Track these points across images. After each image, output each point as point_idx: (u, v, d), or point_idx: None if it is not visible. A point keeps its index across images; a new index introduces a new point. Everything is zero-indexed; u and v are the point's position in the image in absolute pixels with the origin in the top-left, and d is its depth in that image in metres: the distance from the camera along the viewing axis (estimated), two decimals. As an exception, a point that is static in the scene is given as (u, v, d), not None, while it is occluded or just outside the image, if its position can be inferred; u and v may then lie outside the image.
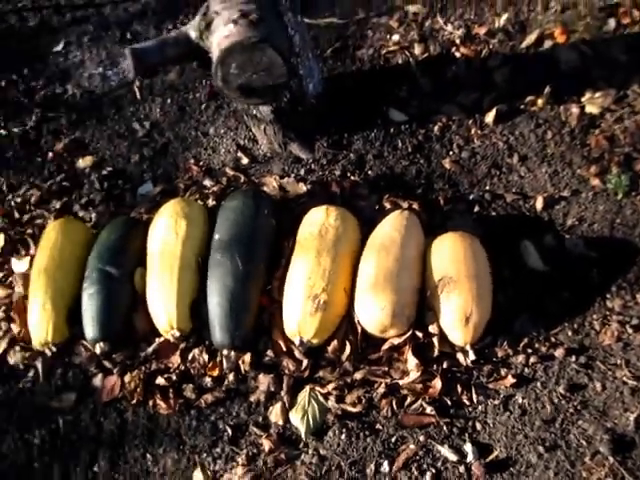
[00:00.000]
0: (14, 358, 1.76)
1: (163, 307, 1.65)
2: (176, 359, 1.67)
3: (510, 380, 1.53)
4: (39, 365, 1.73)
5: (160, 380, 1.64)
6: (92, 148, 2.20)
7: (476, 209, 1.84)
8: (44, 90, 2.39)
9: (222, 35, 0.70)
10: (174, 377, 1.64)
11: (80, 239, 1.85)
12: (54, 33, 2.56)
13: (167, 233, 1.72)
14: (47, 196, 2.08)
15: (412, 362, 1.55)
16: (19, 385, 1.74)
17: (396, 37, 2.25)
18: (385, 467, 1.47)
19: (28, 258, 1.91)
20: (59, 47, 2.49)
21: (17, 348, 1.77)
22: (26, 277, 1.86)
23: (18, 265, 1.91)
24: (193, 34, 0.81)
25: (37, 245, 1.91)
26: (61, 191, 2.09)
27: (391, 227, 1.66)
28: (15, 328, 1.80)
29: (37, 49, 2.52)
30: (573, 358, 1.55)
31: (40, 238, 1.91)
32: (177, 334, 1.64)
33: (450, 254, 1.60)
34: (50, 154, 2.20)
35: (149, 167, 2.11)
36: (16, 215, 2.05)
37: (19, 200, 2.09)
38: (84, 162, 2.15)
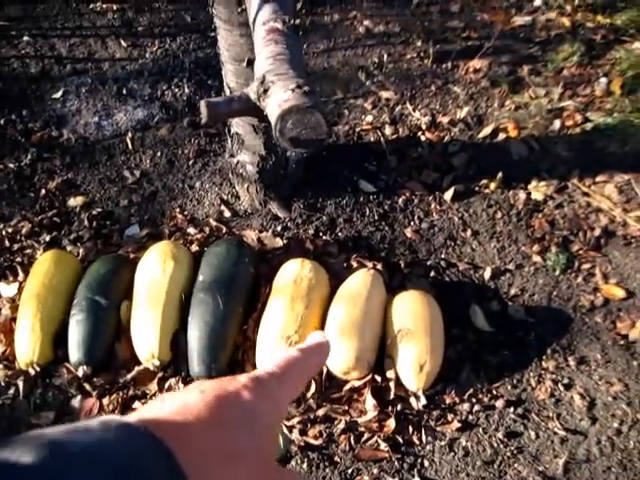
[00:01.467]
0: None
1: (146, 337, 1.75)
2: (153, 386, 1.75)
3: (456, 424, 1.66)
4: (20, 383, 1.78)
5: (137, 405, 1.73)
6: (83, 189, 2.27)
7: (432, 274, 1.96)
8: (41, 132, 2.45)
9: (282, 99, 0.90)
10: (150, 403, 1.74)
11: (70, 270, 1.94)
12: (54, 81, 2.63)
13: (155, 270, 1.83)
14: (38, 229, 2.14)
15: (370, 403, 1.68)
16: None
17: (369, 118, 2.38)
18: None
19: (17, 284, 1.99)
20: (58, 94, 2.57)
21: (0, 366, 1.83)
22: (13, 301, 1.94)
23: (6, 290, 1.99)
24: (252, 95, 0.99)
25: (25, 272, 1.99)
26: (51, 226, 2.16)
27: (358, 282, 1.81)
28: (0, 347, 1.86)
29: (37, 94, 2.59)
30: (511, 409, 1.69)
31: (31, 266, 1.98)
32: (157, 363, 1.74)
33: (409, 309, 1.75)
34: (43, 191, 2.26)
35: (137, 211, 2.19)
36: (7, 243, 2.11)
37: (10, 230, 2.15)
38: (75, 201, 2.23)
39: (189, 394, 0.41)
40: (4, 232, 2.16)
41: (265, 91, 0.95)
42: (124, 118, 2.45)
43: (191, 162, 2.32)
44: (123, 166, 2.35)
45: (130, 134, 2.40)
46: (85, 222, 2.16)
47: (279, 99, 0.91)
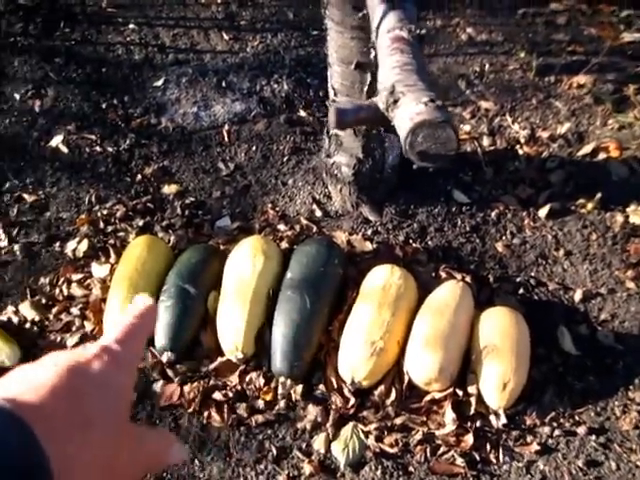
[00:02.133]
0: None
1: (232, 330, 1.78)
2: (234, 378, 1.78)
3: (535, 447, 1.63)
4: (105, 362, 1.86)
5: (217, 395, 1.75)
6: (177, 178, 2.33)
7: (521, 291, 1.93)
8: (140, 118, 2.52)
9: (414, 112, 0.90)
10: (230, 394, 1.74)
11: (162, 256, 1.98)
12: (156, 69, 2.70)
13: (245, 264, 1.86)
14: (132, 213, 2.20)
15: (449, 416, 1.66)
16: None
17: (467, 127, 2.37)
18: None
19: (108, 265, 2.04)
20: (159, 83, 2.63)
21: (87, 345, 1.91)
22: (104, 282, 2.00)
23: (98, 270, 2.05)
24: (381, 105, 1.00)
25: (117, 255, 2.04)
26: (145, 211, 2.21)
27: (447, 293, 1.79)
28: (89, 325, 1.92)
29: (139, 81, 2.67)
30: (593, 437, 1.64)
31: (123, 249, 2.04)
32: (240, 356, 1.77)
33: (497, 325, 1.73)
34: (139, 176, 2.33)
35: (228, 204, 2.23)
36: (101, 225, 2.18)
37: (105, 212, 2.21)
38: (169, 189, 2.28)
39: (42, 368, 0.42)
40: (99, 214, 2.23)
41: (395, 102, 0.95)
42: (222, 110, 2.49)
43: (285, 159, 2.34)
44: (218, 158, 2.38)
45: (227, 126, 2.44)
46: (178, 210, 2.21)
47: (410, 112, 0.91)
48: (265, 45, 2.76)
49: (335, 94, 1.85)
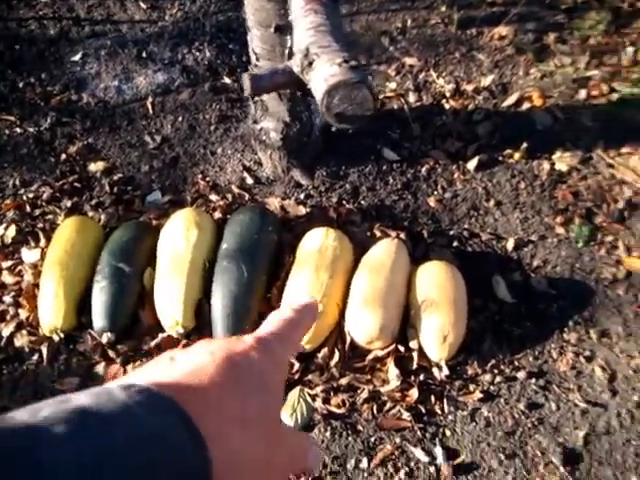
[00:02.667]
0: (20, 341, 1.82)
1: (170, 305, 1.75)
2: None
3: (478, 395, 1.67)
4: (44, 350, 1.80)
5: None
6: (104, 154, 2.26)
7: (455, 244, 1.96)
8: (60, 95, 2.43)
9: (329, 73, 0.88)
10: (174, 369, 1.75)
11: (92, 236, 1.93)
12: (73, 43, 2.61)
13: (179, 238, 1.83)
14: (59, 194, 2.14)
15: (393, 372, 1.68)
16: (23, 367, 1.79)
17: (393, 85, 2.36)
18: (364, 463, 1.59)
19: (38, 250, 1.98)
20: (77, 57, 2.54)
21: (24, 332, 1.83)
22: (35, 267, 1.94)
23: (28, 255, 1.98)
24: (296, 69, 0.98)
25: (47, 238, 1.98)
26: (72, 191, 2.15)
27: (382, 252, 1.81)
28: (23, 313, 1.86)
29: (55, 57, 2.57)
30: (533, 380, 1.69)
31: (53, 232, 1.98)
32: (181, 330, 1.75)
33: (433, 279, 1.75)
34: (63, 156, 2.26)
35: (158, 177, 2.18)
36: (28, 209, 2.11)
37: (31, 195, 2.15)
38: (96, 166, 2.22)
39: (198, 355, 0.41)
40: (25, 197, 2.16)
41: (309, 64, 0.94)
42: (144, 82, 2.43)
43: (213, 127, 2.30)
44: (144, 131, 2.33)
45: (151, 98, 2.39)
46: (106, 188, 2.15)
47: (325, 73, 0.90)
48: (184, 12, 2.69)
49: (257, 59, 1.82)
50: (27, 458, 0.28)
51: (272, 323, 0.48)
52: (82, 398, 0.34)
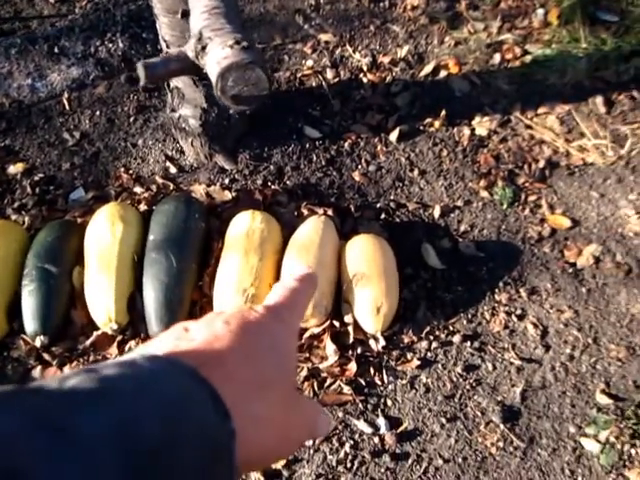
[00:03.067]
0: None
1: (101, 302, 1.73)
2: (114, 350, 1.75)
3: (415, 363, 1.70)
4: (-23, 359, 1.75)
5: None
6: (23, 155, 2.21)
7: (383, 216, 1.97)
8: (-29, 98, 2.35)
9: (221, 56, 0.87)
10: (111, 367, 1.73)
11: (17, 240, 1.89)
12: None
13: (105, 234, 1.81)
14: (-21, 200, 2.07)
15: (330, 348, 1.70)
16: None
17: (310, 62, 2.35)
18: (309, 441, 1.60)
19: (-38, 257, 1.95)
20: (-15, 57, 2.46)
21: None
22: (-41, 275, 1.91)
23: (-49, 265, 1.95)
24: (190, 54, 0.96)
25: (-29, 245, 1.96)
26: (-7, 195, 2.09)
27: (310, 230, 1.81)
28: (-49, 324, 1.83)
29: (-37, 59, 2.48)
30: (468, 343, 1.73)
31: (-24, 239, 1.94)
32: (115, 327, 1.73)
33: (362, 253, 1.77)
34: (-20, 160, 2.18)
35: (80, 174, 2.14)
36: (-53, 217, 2.05)
37: (-51, 203, 2.07)
38: (15, 168, 2.16)
39: (213, 324, 0.42)
40: (-57, 205, 2.08)
41: (203, 48, 0.93)
42: (58, 78, 2.37)
43: (132, 119, 2.26)
44: (62, 128, 2.27)
45: (66, 94, 2.32)
46: (28, 189, 2.10)
47: (218, 56, 0.89)
48: (94, 4, 2.62)
49: (167, 46, 1.79)
50: (50, 425, 0.29)
51: (278, 293, 0.49)
52: (108, 368, 0.34)
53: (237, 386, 0.38)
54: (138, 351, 0.39)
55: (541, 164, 2.05)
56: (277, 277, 1.77)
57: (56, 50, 2.45)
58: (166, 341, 0.41)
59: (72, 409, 0.30)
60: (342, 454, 1.60)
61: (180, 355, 0.38)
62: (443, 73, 2.29)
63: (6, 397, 0.30)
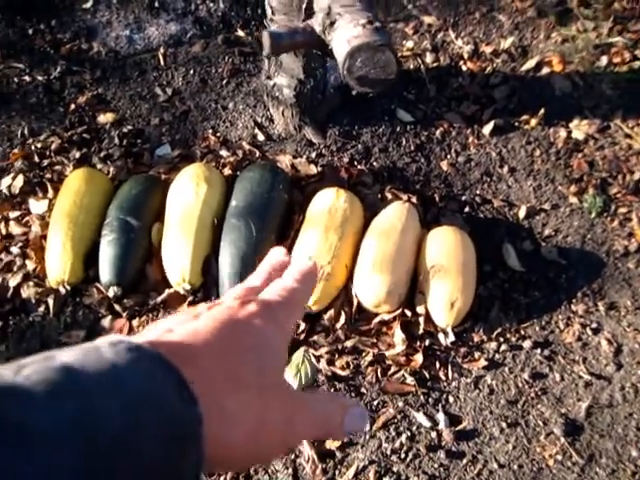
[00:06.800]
0: (27, 293, 1.82)
1: (178, 261, 1.75)
2: (183, 310, 1.77)
3: (482, 363, 1.67)
4: (51, 302, 1.80)
5: None
6: (113, 105, 2.22)
7: (466, 209, 1.93)
8: (70, 44, 2.38)
9: (352, 35, 0.84)
10: (180, 325, 1.75)
11: (101, 189, 1.92)
12: None
13: (188, 193, 1.81)
14: (67, 145, 2.11)
15: (399, 337, 1.68)
16: (29, 318, 1.79)
17: (410, 44, 2.31)
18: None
19: (46, 201, 1.96)
20: (88, 4, 2.48)
21: (30, 283, 1.83)
22: (43, 218, 1.93)
23: (36, 206, 1.97)
24: (317, 28, 0.94)
25: (55, 189, 1.97)
26: (81, 142, 2.12)
27: (393, 215, 1.79)
28: (30, 264, 1.86)
29: (65, 3, 2.50)
30: (538, 350, 1.68)
31: (61, 183, 1.97)
32: (188, 287, 1.74)
33: (444, 245, 1.74)
34: (72, 106, 2.22)
35: (168, 131, 2.15)
36: (36, 159, 2.09)
37: (39, 145, 2.11)
38: (105, 118, 2.18)
39: (200, 320, 0.41)
40: (33, 147, 2.13)
41: (332, 24, 0.91)
42: (156, 32, 2.38)
43: (224, 82, 2.26)
44: (154, 83, 2.28)
45: (162, 49, 2.34)
46: (115, 140, 2.12)
47: (348, 34, 0.87)
48: (198, -39, 2.62)
49: (273, 13, 1.77)
50: (0, 422, 0.28)
51: (274, 291, 0.48)
52: (68, 355, 0.33)
53: (207, 379, 0.37)
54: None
55: (636, 176, 1.97)
56: (354, 258, 1.76)
57: (156, 4, 2.46)
58: (153, 332, 0.41)
59: (24, 404, 0.29)
60: (397, 444, 1.58)
61: (154, 343, 0.37)
62: (545, 70, 2.22)
63: None
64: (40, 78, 2.31)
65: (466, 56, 2.27)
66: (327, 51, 0.98)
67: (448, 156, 2.05)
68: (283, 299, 0.47)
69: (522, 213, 1.93)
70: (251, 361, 0.41)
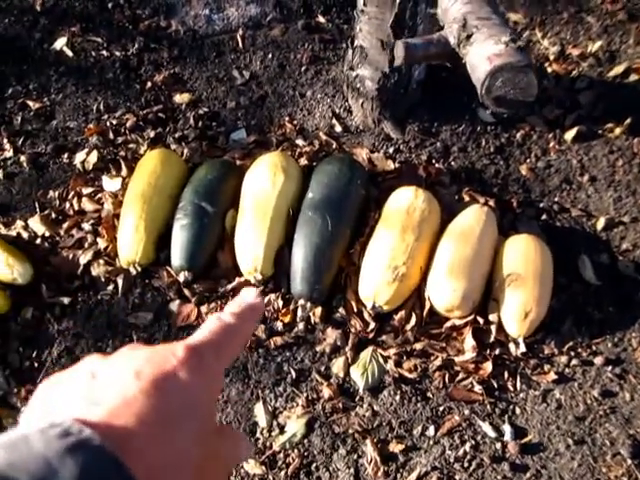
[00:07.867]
0: (97, 270, 1.84)
1: (251, 250, 1.74)
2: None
3: (552, 376, 1.64)
4: (120, 281, 1.80)
5: None
6: (190, 86, 2.22)
7: (543, 217, 1.89)
8: (149, 20, 2.37)
9: (492, 52, 0.81)
10: (248, 314, 1.74)
11: (177, 171, 1.91)
12: None
13: (265, 182, 1.80)
14: (142, 123, 2.10)
15: (469, 343, 1.66)
16: (98, 296, 1.81)
17: (495, 41, 2.26)
18: (431, 431, 1.59)
19: (120, 179, 1.97)
20: (168, -19, 2.46)
21: (101, 262, 1.84)
22: (116, 196, 1.94)
23: (109, 184, 1.98)
24: (452, 40, 0.91)
25: (129, 168, 1.97)
26: (156, 121, 2.11)
27: (471, 218, 1.75)
28: (102, 243, 1.87)
29: (146, -22, 2.49)
30: (609, 367, 1.65)
31: (134, 162, 1.97)
32: (259, 277, 1.74)
33: (521, 254, 1.70)
34: (149, 83, 2.21)
35: (244, 115, 2.13)
36: (110, 136, 2.09)
37: (114, 122, 2.12)
38: (181, 98, 2.17)
39: (122, 378, 0.39)
40: (109, 123, 2.13)
41: (468, 37, 0.87)
42: (236, 13, 2.35)
43: (303, 68, 2.23)
44: (232, 65, 2.27)
45: (241, 31, 2.32)
46: (191, 121, 2.11)
47: (488, 51, 0.83)
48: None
49: (364, 3, 1.74)
50: None
51: (209, 329, 0.44)
52: None
53: (149, 461, 0.35)
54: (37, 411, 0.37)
55: None
56: (430, 260, 1.73)
57: (238, -16, 2.42)
58: (71, 395, 0.38)
59: None
60: (461, 452, 1.57)
61: (87, 424, 0.34)
62: (634, 77, 2.15)
63: None
64: (117, 54, 2.31)
65: (552, 57, 2.21)
66: (457, 64, 0.95)
67: (528, 160, 2.01)
68: (216, 337, 0.44)
69: (600, 224, 1.88)
70: (186, 426, 0.39)
